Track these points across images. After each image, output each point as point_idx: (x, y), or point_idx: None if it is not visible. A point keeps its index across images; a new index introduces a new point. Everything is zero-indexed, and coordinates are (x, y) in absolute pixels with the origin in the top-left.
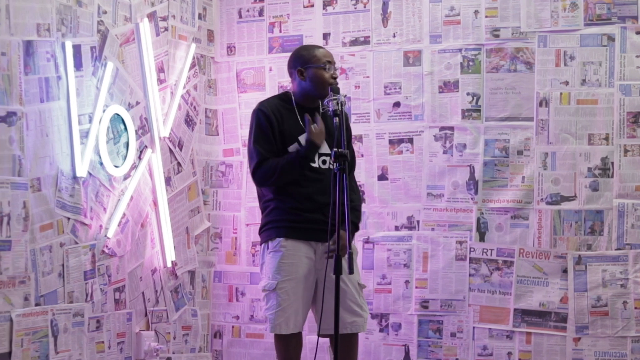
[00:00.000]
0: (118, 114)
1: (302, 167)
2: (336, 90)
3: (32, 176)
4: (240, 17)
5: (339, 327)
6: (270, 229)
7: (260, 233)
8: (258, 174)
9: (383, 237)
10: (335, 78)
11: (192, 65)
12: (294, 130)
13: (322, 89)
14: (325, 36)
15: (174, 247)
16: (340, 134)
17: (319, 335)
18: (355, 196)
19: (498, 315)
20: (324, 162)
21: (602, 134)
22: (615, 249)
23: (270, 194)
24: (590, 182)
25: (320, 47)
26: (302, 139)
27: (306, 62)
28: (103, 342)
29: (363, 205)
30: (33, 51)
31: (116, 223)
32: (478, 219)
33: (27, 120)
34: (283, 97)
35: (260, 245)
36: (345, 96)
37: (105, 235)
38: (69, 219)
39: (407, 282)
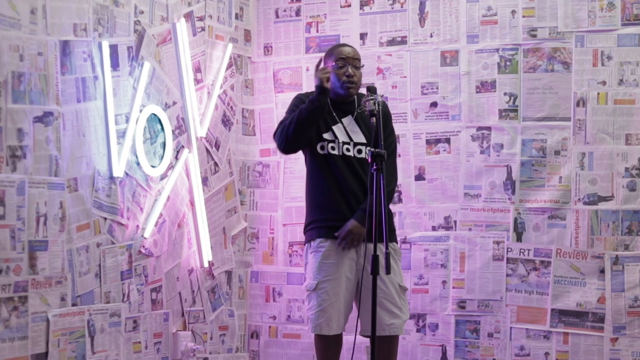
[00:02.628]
0: (155, 114)
1: (314, 112)
2: (373, 90)
3: (68, 176)
4: (277, 17)
5: (378, 329)
6: (312, 229)
7: (304, 232)
8: (278, 132)
9: (420, 237)
10: (350, 77)
11: (229, 65)
12: (327, 121)
13: (337, 88)
14: (362, 36)
15: (211, 247)
16: (377, 134)
17: (361, 335)
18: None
19: (535, 316)
20: (359, 151)
21: None
22: None
23: (312, 190)
24: (627, 182)
25: (343, 46)
26: (336, 129)
27: (326, 62)
28: (140, 342)
29: (400, 205)
30: (70, 51)
31: (153, 223)
32: (515, 219)
33: (63, 120)
34: None
35: (304, 244)
36: (382, 96)
37: (142, 236)
38: (105, 219)
39: (444, 282)
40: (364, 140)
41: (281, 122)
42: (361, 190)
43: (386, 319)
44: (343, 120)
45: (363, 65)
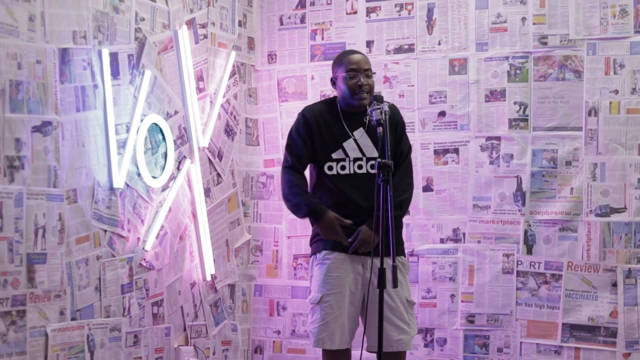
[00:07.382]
0: (156, 124)
1: (305, 216)
2: (380, 99)
3: (67, 187)
4: (282, 24)
5: (385, 345)
6: (318, 241)
7: (310, 244)
8: (281, 180)
9: (428, 249)
10: (361, 86)
11: (232, 74)
12: (338, 137)
13: (348, 98)
14: (369, 44)
15: (214, 260)
16: (384, 144)
17: (368, 351)
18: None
19: (546, 330)
20: (372, 166)
21: None
22: None
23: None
24: None
25: (352, 53)
26: (347, 145)
27: (336, 71)
28: (141, 357)
29: (407, 217)
30: (69, 59)
31: (154, 235)
32: (525, 231)
33: (62, 130)
34: (329, 103)
35: (310, 256)
36: (389, 105)
37: (143, 248)
38: (105, 231)
39: (452, 296)
40: (376, 155)
41: (284, 166)
42: (371, 206)
43: (394, 334)
44: (355, 133)
45: (375, 73)
